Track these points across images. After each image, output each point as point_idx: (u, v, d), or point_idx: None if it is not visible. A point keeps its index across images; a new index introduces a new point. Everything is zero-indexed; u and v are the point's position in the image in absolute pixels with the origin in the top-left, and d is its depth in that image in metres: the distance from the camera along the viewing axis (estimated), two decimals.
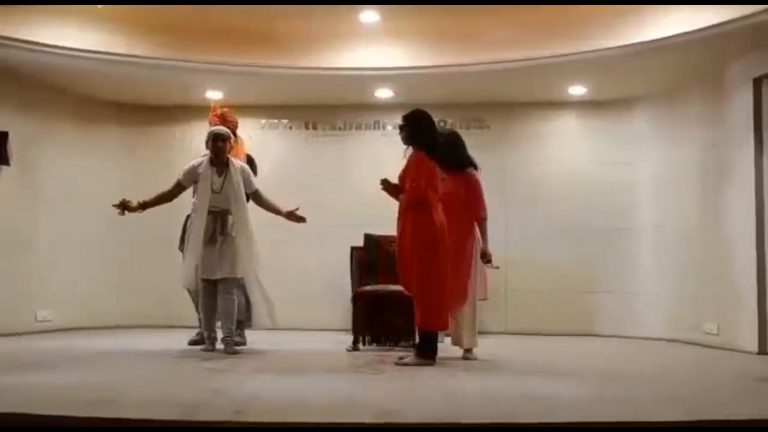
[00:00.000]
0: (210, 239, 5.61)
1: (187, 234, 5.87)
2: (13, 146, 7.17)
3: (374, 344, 6.22)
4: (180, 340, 6.24)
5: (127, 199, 5.62)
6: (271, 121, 8.43)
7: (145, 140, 8.39)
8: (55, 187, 7.69)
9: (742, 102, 6.49)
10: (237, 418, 3.16)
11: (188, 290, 6.04)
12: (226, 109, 6.44)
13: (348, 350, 6.00)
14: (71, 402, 3.45)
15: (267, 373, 4.60)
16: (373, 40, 7.23)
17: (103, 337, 6.99)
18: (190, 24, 6.95)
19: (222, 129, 5.78)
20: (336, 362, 5.02)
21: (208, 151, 5.85)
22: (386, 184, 5.20)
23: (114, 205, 5.61)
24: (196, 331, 6.29)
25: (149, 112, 8.38)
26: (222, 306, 5.63)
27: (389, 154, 8.22)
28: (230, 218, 5.67)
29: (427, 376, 4.66)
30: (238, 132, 6.47)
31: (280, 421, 3.14)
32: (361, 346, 6.12)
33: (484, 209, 5.59)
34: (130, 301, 8.01)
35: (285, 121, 8.45)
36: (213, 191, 5.64)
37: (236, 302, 5.70)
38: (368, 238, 6.61)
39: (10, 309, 7.11)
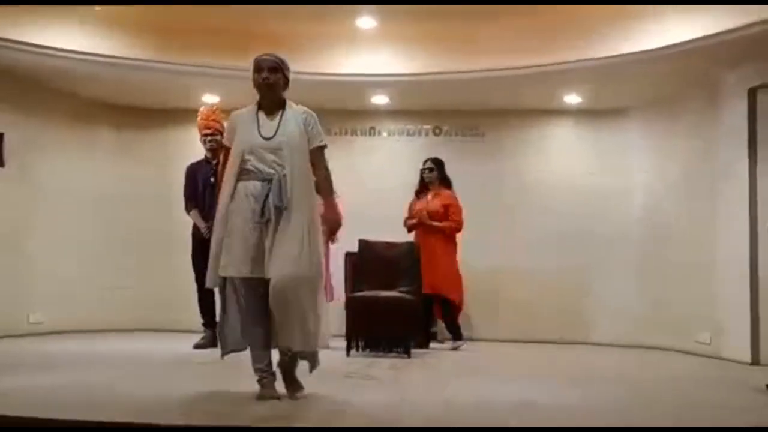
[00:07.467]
0: None
1: None
2: (8, 148, 7.15)
3: (367, 350, 6.21)
4: (178, 344, 6.23)
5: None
6: None
7: (141, 143, 8.37)
8: (50, 188, 7.66)
9: (737, 112, 6.51)
10: (233, 422, 3.16)
11: None
12: (215, 108, 6.43)
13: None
14: (66, 405, 3.44)
15: None
16: (370, 46, 7.24)
17: (98, 340, 6.96)
18: (187, 27, 6.94)
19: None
20: (329, 368, 4.99)
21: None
22: None
23: None
24: (202, 335, 6.28)
25: (145, 115, 8.36)
26: None
27: (384, 160, 8.35)
28: None
29: (419, 381, 4.66)
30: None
31: (276, 426, 3.14)
32: (353, 351, 6.11)
33: None
34: (127, 304, 7.95)
35: None
36: None
37: None
38: (362, 243, 6.61)
39: (1, 311, 7.05)
